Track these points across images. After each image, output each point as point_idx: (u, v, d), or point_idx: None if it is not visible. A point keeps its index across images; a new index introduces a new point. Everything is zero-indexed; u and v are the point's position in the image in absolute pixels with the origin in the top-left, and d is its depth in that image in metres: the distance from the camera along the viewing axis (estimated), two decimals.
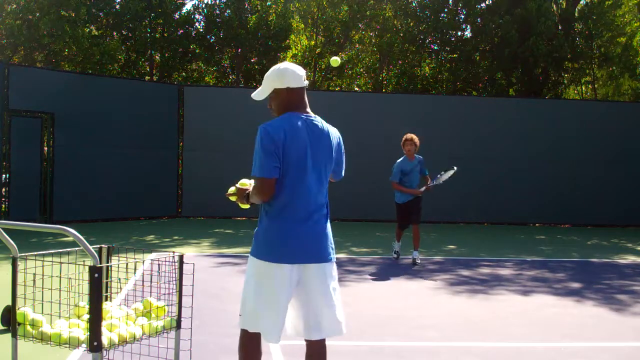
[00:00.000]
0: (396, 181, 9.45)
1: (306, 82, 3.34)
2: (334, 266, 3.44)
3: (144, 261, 4.04)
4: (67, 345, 3.26)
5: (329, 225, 3.41)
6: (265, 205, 3.30)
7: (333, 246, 3.46)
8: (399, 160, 9.54)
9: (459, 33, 23.75)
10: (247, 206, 3.49)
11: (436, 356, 4.94)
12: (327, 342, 3.54)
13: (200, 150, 16.49)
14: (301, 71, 3.34)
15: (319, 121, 3.35)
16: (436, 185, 9.50)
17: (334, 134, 3.40)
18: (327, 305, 3.34)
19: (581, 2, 23.80)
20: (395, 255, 9.99)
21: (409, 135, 9.51)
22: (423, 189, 9.34)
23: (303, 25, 25.24)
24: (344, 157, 3.49)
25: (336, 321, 3.38)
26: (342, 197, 16.59)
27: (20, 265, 3.47)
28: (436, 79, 23.92)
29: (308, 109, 3.37)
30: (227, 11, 22.29)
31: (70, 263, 3.48)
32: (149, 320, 3.54)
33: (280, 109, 3.35)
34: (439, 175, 9.42)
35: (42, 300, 3.43)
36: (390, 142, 17.05)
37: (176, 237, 12.43)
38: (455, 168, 9.41)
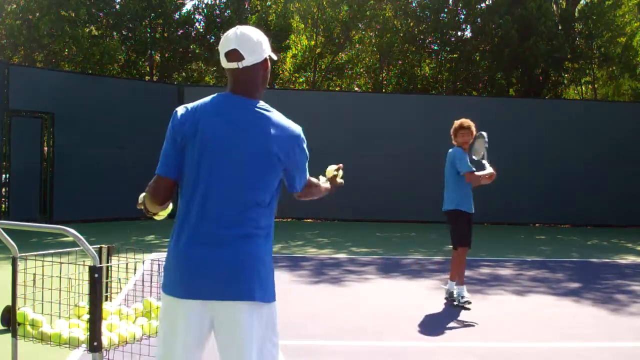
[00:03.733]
0: (471, 171, 6.69)
1: (236, 64, 2.48)
2: (265, 310, 2.43)
3: (144, 261, 4.04)
4: (67, 345, 3.26)
5: (260, 252, 2.45)
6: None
7: (268, 283, 2.46)
8: (457, 149, 6.80)
9: (459, 33, 23.78)
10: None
11: (436, 356, 4.94)
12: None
13: None
14: (226, 44, 2.49)
15: (261, 110, 2.50)
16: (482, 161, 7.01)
17: (283, 131, 2.49)
18: None
19: (581, 2, 23.81)
20: (458, 301, 6.70)
21: (465, 122, 6.90)
22: (487, 171, 6.78)
23: (303, 25, 25.25)
24: (302, 164, 2.57)
25: None
26: (342, 197, 16.60)
27: (20, 265, 3.48)
28: (436, 79, 23.93)
29: (253, 93, 2.53)
30: (227, 11, 22.31)
31: (70, 263, 3.49)
32: (149, 320, 3.54)
33: None
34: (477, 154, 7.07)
35: (42, 300, 3.43)
36: (390, 141, 17.10)
37: None
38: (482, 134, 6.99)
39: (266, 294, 2.44)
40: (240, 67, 2.47)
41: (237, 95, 2.50)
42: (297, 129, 2.56)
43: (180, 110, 2.51)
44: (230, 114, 2.46)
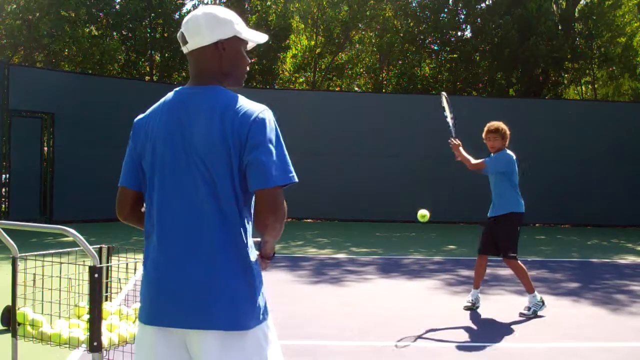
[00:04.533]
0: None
1: (184, 48, 2.19)
2: (246, 339, 2.04)
3: None
4: (67, 345, 3.26)
5: (235, 267, 2.05)
6: None
7: (248, 304, 2.05)
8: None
9: (459, 33, 23.78)
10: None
11: (436, 356, 4.94)
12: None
13: None
14: (184, 25, 2.19)
15: (214, 96, 2.10)
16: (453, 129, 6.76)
17: (236, 114, 2.05)
18: None
19: (581, 2, 23.81)
20: (468, 304, 6.57)
21: (492, 125, 6.58)
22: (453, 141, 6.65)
23: (303, 25, 25.26)
24: (265, 153, 2.03)
25: None
26: (342, 197, 16.62)
27: (20, 265, 3.47)
28: (436, 79, 23.93)
29: (209, 79, 2.16)
30: None
31: (70, 263, 3.49)
32: None
33: None
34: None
35: (42, 301, 3.43)
36: (390, 141, 17.10)
37: None
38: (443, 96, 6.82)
39: (244, 319, 2.03)
40: (186, 51, 2.18)
41: (190, 86, 2.16)
42: (256, 108, 2.08)
43: (138, 118, 2.25)
44: (179, 109, 2.11)
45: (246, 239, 2.10)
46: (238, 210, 2.08)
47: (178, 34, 2.20)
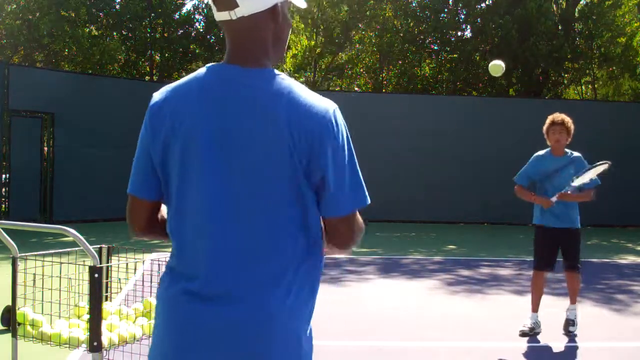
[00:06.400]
0: (520, 184, 5.88)
1: (227, 13, 1.62)
2: None
3: (144, 261, 4.04)
4: (67, 345, 3.26)
5: (286, 311, 1.60)
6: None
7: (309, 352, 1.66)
8: (536, 154, 5.83)
9: (459, 33, 23.80)
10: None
11: (436, 356, 4.94)
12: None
13: None
14: None
15: (271, 81, 1.61)
16: (578, 189, 5.58)
17: (304, 112, 1.57)
18: None
19: (581, 2, 23.82)
20: (525, 329, 5.56)
21: (558, 117, 5.61)
22: (554, 198, 5.52)
23: (303, 25, 25.26)
24: (340, 170, 1.62)
25: None
26: None
27: (20, 265, 3.47)
28: (436, 79, 23.94)
29: (258, 57, 1.65)
30: None
31: (70, 263, 3.49)
32: (149, 320, 3.54)
33: None
34: (578, 176, 5.42)
35: (42, 300, 3.43)
36: (390, 142, 17.10)
37: None
38: (605, 164, 5.59)
39: None
40: (234, 17, 1.62)
41: (234, 65, 1.64)
42: (327, 106, 1.60)
43: (156, 96, 1.73)
44: (222, 95, 1.60)
45: (312, 269, 1.68)
46: (299, 233, 1.63)
47: None
